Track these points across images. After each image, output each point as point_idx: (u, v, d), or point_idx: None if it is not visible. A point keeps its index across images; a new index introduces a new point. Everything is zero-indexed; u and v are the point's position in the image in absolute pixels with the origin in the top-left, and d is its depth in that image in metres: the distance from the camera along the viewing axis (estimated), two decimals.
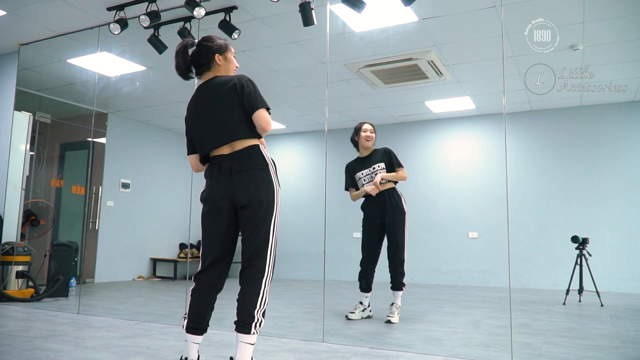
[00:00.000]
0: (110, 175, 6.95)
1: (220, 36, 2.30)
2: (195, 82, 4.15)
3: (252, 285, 2.00)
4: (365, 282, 3.82)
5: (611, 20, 4.15)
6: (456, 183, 7.01)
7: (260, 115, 2.09)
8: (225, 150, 2.11)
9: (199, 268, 2.13)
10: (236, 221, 2.13)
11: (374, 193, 3.72)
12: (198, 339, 2.07)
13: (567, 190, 6.38)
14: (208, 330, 2.15)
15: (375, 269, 3.85)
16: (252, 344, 1.98)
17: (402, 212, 3.75)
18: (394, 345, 2.88)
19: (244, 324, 1.96)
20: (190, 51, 2.23)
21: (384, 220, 3.78)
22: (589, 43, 4.52)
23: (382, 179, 3.72)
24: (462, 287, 6.39)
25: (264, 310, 2.02)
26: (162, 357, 2.51)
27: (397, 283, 3.72)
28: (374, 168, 3.80)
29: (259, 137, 2.15)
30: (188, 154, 2.25)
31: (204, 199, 2.14)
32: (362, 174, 3.83)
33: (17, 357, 2.45)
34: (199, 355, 2.12)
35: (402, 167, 3.82)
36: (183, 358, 2.07)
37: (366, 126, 3.85)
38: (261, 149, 2.12)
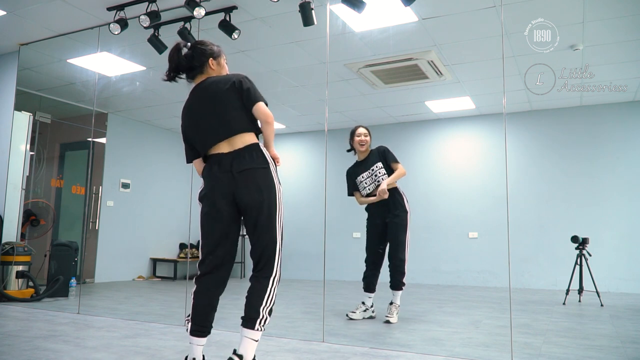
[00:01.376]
0: (110, 175, 6.95)
1: (213, 42, 2.32)
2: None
3: (260, 283, 2.04)
4: (369, 282, 3.82)
5: (611, 20, 4.15)
6: (456, 183, 7.00)
7: (260, 109, 2.12)
8: (224, 148, 2.11)
9: (200, 270, 2.12)
10: (236, 221, 2.13)
11: (385, 196, 3.72)
12: (203, 341, 2.08)
13: (567, 190, 6.37)
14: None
15: (380, 270, 3.85)
16: (256, 340, 2.01)
17: (404, 211, 3.77)
18: (394, 345, 2.88)
19: (249, 319, 1.99)
20: (183, 53, 2.25)
21: (385, 220, 3.79)
22: (589, 43, 4.52)
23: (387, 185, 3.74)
24: (462, 287, 6.39)
25: (270, 309, 2.04)
26: (162, 357, 2.51)
27: (396, 282, 3.72)
28: (372, 170, 3.80)
29: (258, 131, 2.18)
30: (189, 161, 2.25)
31: (203, 197, 2.13)
32: (363, 177, 3.84)
33: (17, 357, 2.45)
34: (203, 356, 2.13)
35: (399, 162, 3.83)
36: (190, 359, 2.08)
37: (360, 130, 3.86)
38: (261, 146, 2.13)
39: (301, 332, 3.25)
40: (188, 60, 2.22)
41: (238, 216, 2.13)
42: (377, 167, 3.80)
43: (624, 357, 2.66)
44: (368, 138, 3.86)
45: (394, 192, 3.80)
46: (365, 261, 3.87)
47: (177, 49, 2.23)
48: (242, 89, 2.13)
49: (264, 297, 2.01)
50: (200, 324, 2.06)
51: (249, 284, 2.09)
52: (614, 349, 2.84)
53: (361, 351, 2.71)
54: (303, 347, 2.81)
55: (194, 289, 2.10)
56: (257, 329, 1.99)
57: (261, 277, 2.05)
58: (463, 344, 2.94)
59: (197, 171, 2.25)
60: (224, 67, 2.30)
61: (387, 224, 3.80)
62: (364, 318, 3.79)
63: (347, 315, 3.79)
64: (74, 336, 3.02)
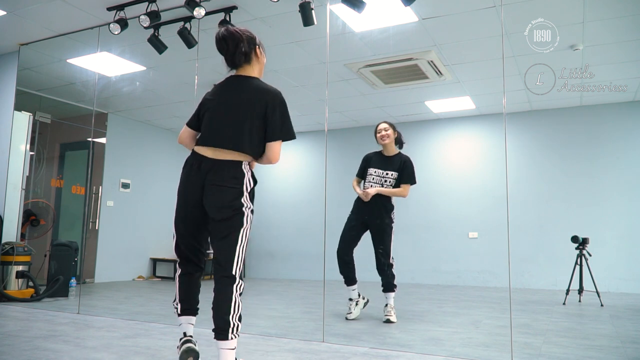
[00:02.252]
0: (110, 175, 6.95)
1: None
2: (196, 82, 4.17)
3: (223, 293, 2.00)
4: (346, 276, 3.79)
5: (611, 20, 4.15)
6: (456, 183, 7.00)
7: (274, 148, 2.10)
8: (209, 152, 2.07)
9: (176, 253, 2.21)
10: (205, 221, 2.13)
11: (364, 198, 3.74)
12: (192, 319, 2.21)
13: (567, 190, 6.38)
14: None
15: (353, 259, 3.80)
16: (233, 349, 1.99)
17: (389, 218, 3.77)
18: (394, 345, 2.88)
19: (221, 331, 1.96)
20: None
21: (367, 220, 3.78)
22: (589, 43, 4.52)
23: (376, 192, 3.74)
24: (462, 287, 6.39)
25: (239, 315, 2.01)
26: (162, 357, 2.51)
27: (388, 285, 3.74)
28: (387, 174, 3.80)
29: (254, 156, 2.12)
30: (187, 124, 2.22)
31: (178, 193, 2.16)
32: (375, 172, 3.83)
33: (17, 357, 2.45)
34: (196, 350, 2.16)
35: (410, 184, 3.81)
36: (182, 335, 2.16)
37: (381, 126, 3.85)
38: (243, 166, 2.07)
39: (301, 332, 3.25)
40: (245, 48, 2.13)
41: (206, 218, 2.11)
42: (391, 175, 3.80)
43: (624, 357, 2.66)
44: (389, 132, 3.83)
45: (385, 200, 3.78)
46: (337, 252, 3.79)
47: (235, 36, 2.10)
48: (273, 117, 2.07)
49: (230, 306, 1.97)
50: (190, 303, 2.19)
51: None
52: (614, 349, 2.84)
53: (361, 351, 2.71)
54: (303, 347, 2.81)
55: (177, 272, 2.22)
56: (231, 338, 1.97)
57: (223, 287, 2.00)
58: (463, 344, 2.94)
59: (181, 136, 2.23)
60: (264, 56, 2.26)
61: (368, 225, 3.79)
62: (361, 310, 3.80)
63: (346, 318, 3.78)
64: (74, 336, 3.02)
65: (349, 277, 3.80)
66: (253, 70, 2.20)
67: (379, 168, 3.83)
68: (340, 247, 3.81)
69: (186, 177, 2.12)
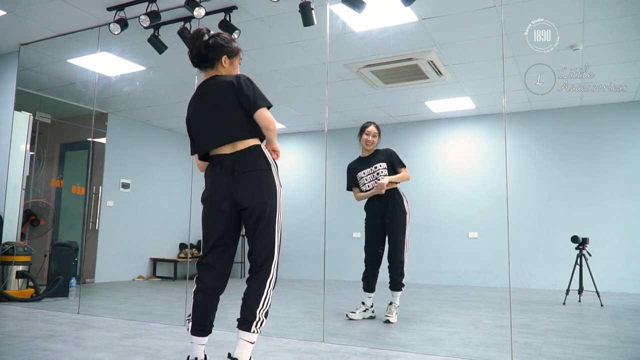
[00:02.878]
0: (110, 175, 6.95)
1: (234, 38, 2.28)
2: (196, 82, 4.17)
3: (257, 285, 2.03)
4: (368, 282, 3.83)
5: (611, 20, 4.15)
6: (456, 183, 7.01)
7: (262, 115, 2.08)
8: (226, 149, 2.09)
9: (198, 269, 2.12)
10: (237, 222, 2.12)
11: (382, 191, 3.73)
12: (204, 340, 2.08)
13: (567, 190, 6.38)
14: (214, 331, 2.15)
15: (379, 270, 3.85)
16: (252, 343, 1.99)
17: (403, 212, 3.76)
18: (394, 345, 2.88)
19: (245, 322, 1.98)
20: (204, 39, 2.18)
21: (384, 220, 3.79)
22: (589, 43, 4.52)
23: (388, 182, 3.74)
24: (462, 287, 6.40)
25: (267, 311, 2.03)
26: (162, 357, 2.51)
27: (395, 283, 3.73)
28: (375, 167, 3.80)
29: (261, 136, 2.15)
30: (192, 153, 2.22)
31: (205, 199, 2.12)
32: (364, 173, 3.84)
33: (17, 357, 2.45)
34: (205, 355, 2.13)
35: (405, 167, 3.84)
36: (192, 359, 2.07)
37: (369, 129, 3.84)
38: (263, 148, 2.11)
39: (301, 332, 3.25)
40: (206, 50, 2.16)
41: (238, 218, 2.12)
42: (380, 166, 3.80)
43: (624, 357, 2.66)
44: (376, 139, 3.86)
45: (393, 192, 3.79)
46: (365, 261, 3.87)
47: (199, 35, 2.15)
48: (242, 94, 2.08)
49: (260, 300, 2.00)
50: (201, 323, 2.06)
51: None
52: (614, 349, 2.84)
53: (361, 351, 2.71)
54: (303, 347, 2.81)
55: (194, 288, 2.11)
56: (253, 332, 1.98)
57: (258, 279, 2.03)
58: (463, 344, 2.94)
59: (197, 165, 2.25)
60: (237, 68, 2.27)
61: (385, 224, 3.80)
62: (364, 318, 3.79)
63: (347, 315, 3.79)
64: (74, 336, 3.02)
65: (370, 286, 3.83)
66: (217, 73, 2.21)
67: (366, 168, 3.84)
68: (368, 260, 3.84)
69: (211, 179, 2.10)
